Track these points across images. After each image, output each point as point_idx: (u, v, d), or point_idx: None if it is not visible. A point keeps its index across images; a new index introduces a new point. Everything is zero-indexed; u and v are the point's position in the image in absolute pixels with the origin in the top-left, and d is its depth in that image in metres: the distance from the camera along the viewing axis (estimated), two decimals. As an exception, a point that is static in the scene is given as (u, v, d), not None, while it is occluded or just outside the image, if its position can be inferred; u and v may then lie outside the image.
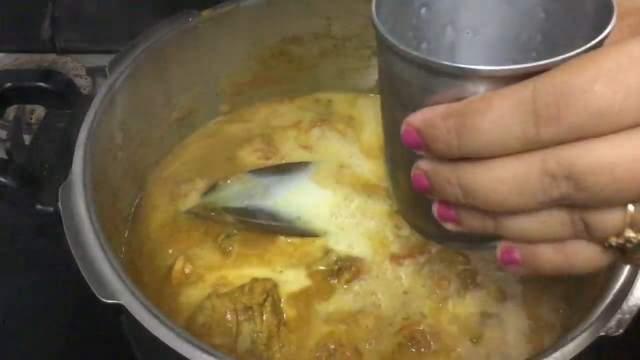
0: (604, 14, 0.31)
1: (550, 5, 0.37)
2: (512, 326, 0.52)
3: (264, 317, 0.51)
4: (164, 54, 0.56)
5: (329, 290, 0.54)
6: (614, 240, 0.29)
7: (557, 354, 0.39)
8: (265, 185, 0.59)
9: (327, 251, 0.55)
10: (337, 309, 0.53)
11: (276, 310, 0.51)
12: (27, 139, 0.71)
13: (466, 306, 0.53)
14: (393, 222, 0.57)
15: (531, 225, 0.30)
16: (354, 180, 0.61)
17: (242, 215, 0.57)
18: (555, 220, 0.30)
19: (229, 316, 0.50)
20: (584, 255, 0.30)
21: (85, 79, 0.82)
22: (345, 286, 0.54)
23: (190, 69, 0.60)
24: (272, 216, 0.57)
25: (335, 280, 0.54)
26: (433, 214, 0.33)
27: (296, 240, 0.56)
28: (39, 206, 0.47)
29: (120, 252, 0.55)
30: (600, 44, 0.30)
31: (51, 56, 0.85)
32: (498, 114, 0.28)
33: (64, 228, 0.43)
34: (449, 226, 0.33)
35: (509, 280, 0.54)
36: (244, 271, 0.54)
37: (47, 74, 0.52)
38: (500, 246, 0.32)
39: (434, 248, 0.55)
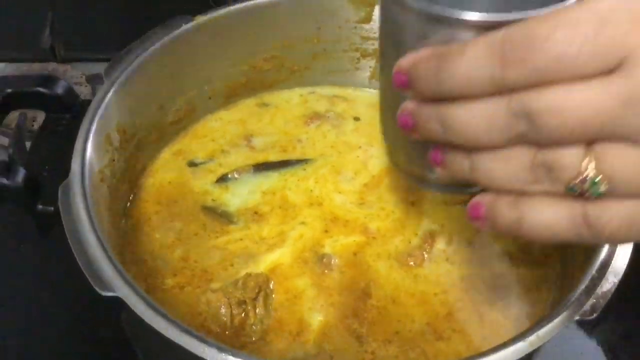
0: None
1: None
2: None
3: (257, 311, 0.53)
4: (158, 59, 0.58)
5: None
6: (572, 183, 0.31)
7: (533, 337, 0.41)
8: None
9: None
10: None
11: (268, 304, 0.54)
12: (29, 145, 0.73)
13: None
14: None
15: (497, 165, 0.33)
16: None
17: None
18: (518, 161, 0.32)
19: (223, 310, 0.53)
20: (540, 212, 0.33)
21: (85, 86, 0.84)
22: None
23: (185, 73, 0.62)
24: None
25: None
26: (426, 159, 0.36)
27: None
28: (40, 206, 0.49)
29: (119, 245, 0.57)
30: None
31: (52, 65, 0.87)
32: (471, 57, 0.31)
33: (64, 226, 0.45)
34: (439, 170, 0.36)
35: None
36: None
37: (46, 79, 0.54)
38: (470, 202, 0.35)
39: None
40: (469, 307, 0.55)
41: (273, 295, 0.55)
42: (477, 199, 0.35)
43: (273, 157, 0.65)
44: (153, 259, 0.57)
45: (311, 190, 0.63)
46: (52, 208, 0.49)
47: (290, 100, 0.70)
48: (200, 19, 0.60)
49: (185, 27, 0.59)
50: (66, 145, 0.52)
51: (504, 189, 0.33)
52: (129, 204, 0.60)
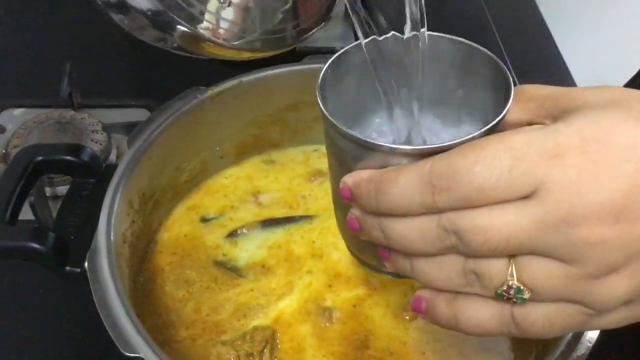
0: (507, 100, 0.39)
1: (468, 89, 0.45)
2: None
3: (264, 364, 0.58)
4: (176, 127, 0.63)
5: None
6: (500, 290, 0.35)
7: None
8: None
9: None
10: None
11: (274, 356, 0.58)
12: (48, 190, 0.78)
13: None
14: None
15: (433, 270, 0.37)
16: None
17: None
18: (451, 267, 0.36)
19: (232, 363, 0.58)
20: (473, 311, 0.36)
21: (101, 134, 0.89)
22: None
23: (199, 137, 0.67)
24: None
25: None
26: (376, 253, 0.41)
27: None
28: (68, 268, 0.54)
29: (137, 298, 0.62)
30: (494, 127, 0.37)
31: (69, 112, 0.92)
32: (403, 185, 0.35)
33: (91, 289, 0.51)
34: (386, 265, 0.41)
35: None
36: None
37: (74, 148, 0.59)
38: (414, 296, 0.39)
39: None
40: (459, 356, 0.60)
41: (279, 346, 0.60)
42: (419, 293, 0.39)
43: (278, 213, 0.70)
44: (167, 311, 0.62)
45: (314, 242, 0.68)
46: (79, 270, 0.53)
47: (295, 158, 0.75)
48: (214, 89, 0.65)
49: (200, 97, 0.65)
50: (91, 209, 0.57)
51: (441, 289, 0.37)
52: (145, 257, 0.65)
